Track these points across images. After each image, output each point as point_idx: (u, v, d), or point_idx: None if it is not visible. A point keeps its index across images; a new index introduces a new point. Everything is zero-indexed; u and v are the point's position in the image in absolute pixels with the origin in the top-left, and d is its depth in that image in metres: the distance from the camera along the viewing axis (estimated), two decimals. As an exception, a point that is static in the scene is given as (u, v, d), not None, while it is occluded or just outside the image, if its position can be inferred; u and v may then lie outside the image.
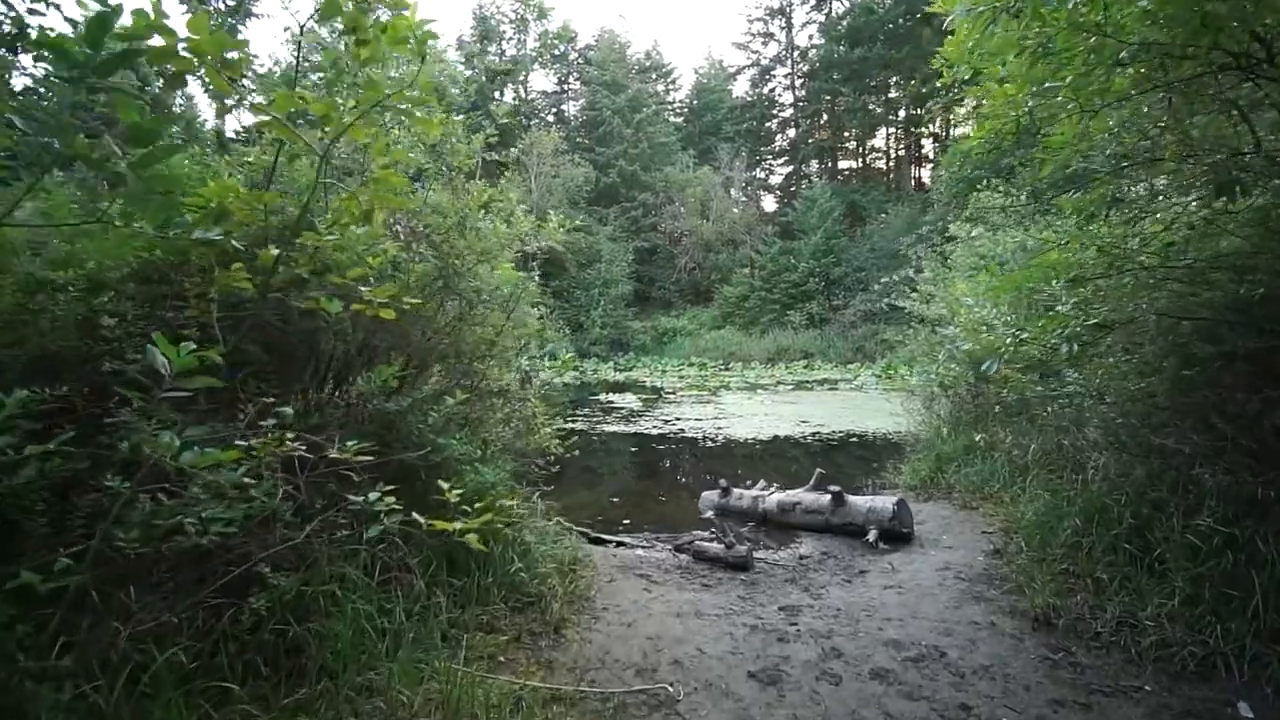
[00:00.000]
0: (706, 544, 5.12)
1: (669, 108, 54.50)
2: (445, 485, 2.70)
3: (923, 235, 26.09)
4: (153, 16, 2.08)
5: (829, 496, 5.69)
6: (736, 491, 6.58)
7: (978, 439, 6.19)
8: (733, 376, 25.17)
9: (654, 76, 53.19)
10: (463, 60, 44.39)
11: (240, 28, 44.39)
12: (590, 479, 9.04)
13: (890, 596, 4.18)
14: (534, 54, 48.07)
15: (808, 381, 22.24)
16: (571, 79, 50.34)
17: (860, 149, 49.18)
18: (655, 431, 12.08)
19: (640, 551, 5.43)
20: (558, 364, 5.47)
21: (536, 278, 5.15)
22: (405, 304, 2.72)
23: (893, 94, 44.63)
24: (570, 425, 13.02)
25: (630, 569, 4.84)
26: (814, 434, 11.42)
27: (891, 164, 48.44)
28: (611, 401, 17.35)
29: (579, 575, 4.24)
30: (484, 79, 43.10)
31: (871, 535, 5.23)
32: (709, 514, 6.67)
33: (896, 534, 5.27)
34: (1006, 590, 4.10)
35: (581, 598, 3.92)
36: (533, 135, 38.62)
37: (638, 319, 38.72)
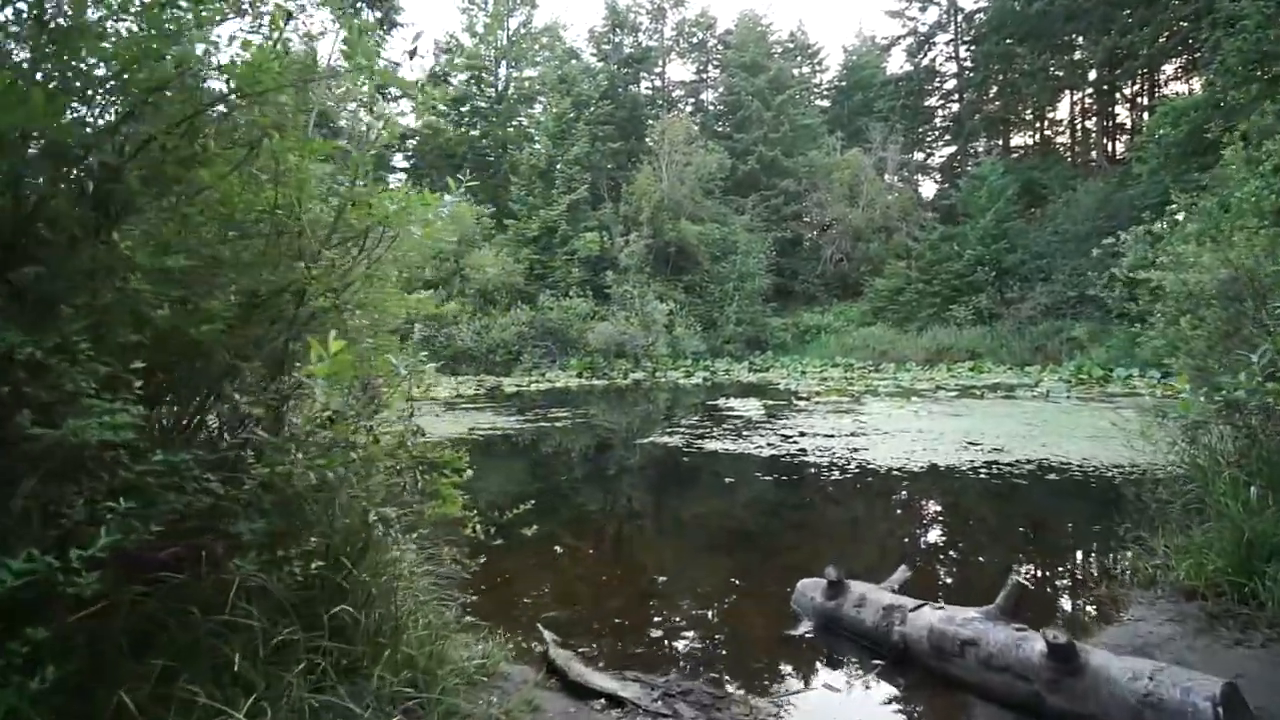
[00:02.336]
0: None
1: (815, 90, 50.57)
2: None
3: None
4: None
5: (1041, 646, 2.73)
6: (855, 591, 3.72)
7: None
8: (883, 380, 21.53)
9: (798, 58, 49.44)
10: (594, 50, 43.16)
11: (386, 38, 45.86)
12: (638, 536, 6.40)
13: None
14: (671, 42, 45.99)
15: (975, 387, 18.28)
16: (710, 67, 47.66)
17: (1038, 121, 42.87)
18: (768, 452, 9.22)
19: (642, 734, 2.77)
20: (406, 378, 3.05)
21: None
22: None
23: (1078, 54, 38.22)
24: (664, 440, 10.49)
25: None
26: (988, 463, 8.11)
27: (1078, 135, 41.81)
28: (731, 408, 14.60)
29: None
30: (615, 68, 41.50)
31: (1158, 770, 2.26)
32: (804, 629, 3.86)
33: (1218, 766, 2.27)
34: None
35: None
36: (663, 122, 36.40)
37: (777, 315, 35.44)
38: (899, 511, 6.74)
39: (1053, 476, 7.42)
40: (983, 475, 7.56)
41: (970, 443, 9.52)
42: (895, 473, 7.75)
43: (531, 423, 12.67)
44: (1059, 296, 26.71)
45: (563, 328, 29.74)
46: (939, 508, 6.85)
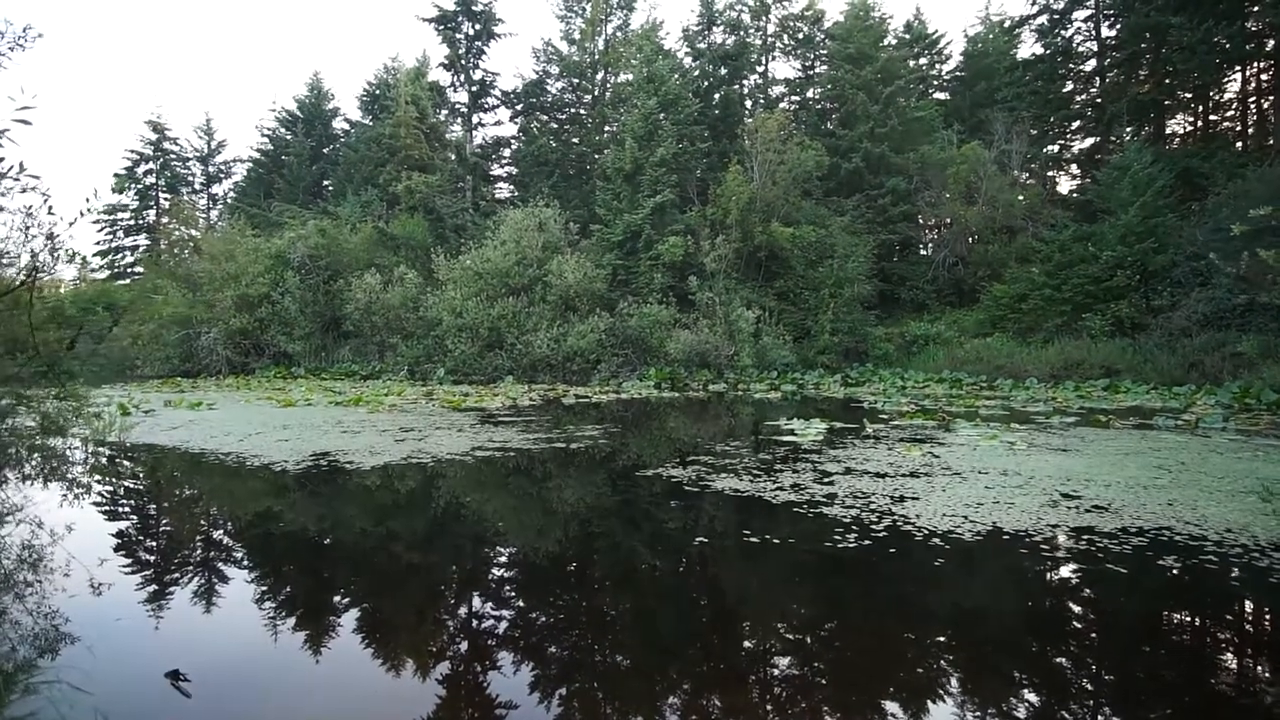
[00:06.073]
0: None
1: (934, 82, 46.59)
2: None
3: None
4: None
5: None
6: None
7: None
8: (991, 399, 18.53)
9: (915, 49, 45.70)
10: (688, 49, 41.60)
11: (485, 49, 46.14)
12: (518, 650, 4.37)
13: None
14: (773, 39, 43.71)
15: (1103, 411, 15.11)
16: (818, 64, 44.82)
17: (1198, 103, 37.19)
18: (784, 497, 7.17)
19: None
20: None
21: None
22: None
23: (1251, 22, 32.68)
24: (672, 473, 8.61)
25: None
26: (1078, 531, 5.71)
27: (1250, 117, 35.92)
28: (790, 430, 12.50)
29: None
30: (707, 66, 39.74)
31: None
32: None
33: None
34: None
35: None
36: (757, 118, 34.23)
37: (881, 324, 32.39)
38: (891, 640, 4.49)
39: (1171, 562, 4.96)
40: (1062, 553, 5.21)
41: (1065, 494, 7.04)
42: (935, 542, 5.50)
43: (546, 444, 11.12)
44: (1221, 304, 22.47)
45: (642, 336, 28.26)
46: (962, 628, 4.52)
